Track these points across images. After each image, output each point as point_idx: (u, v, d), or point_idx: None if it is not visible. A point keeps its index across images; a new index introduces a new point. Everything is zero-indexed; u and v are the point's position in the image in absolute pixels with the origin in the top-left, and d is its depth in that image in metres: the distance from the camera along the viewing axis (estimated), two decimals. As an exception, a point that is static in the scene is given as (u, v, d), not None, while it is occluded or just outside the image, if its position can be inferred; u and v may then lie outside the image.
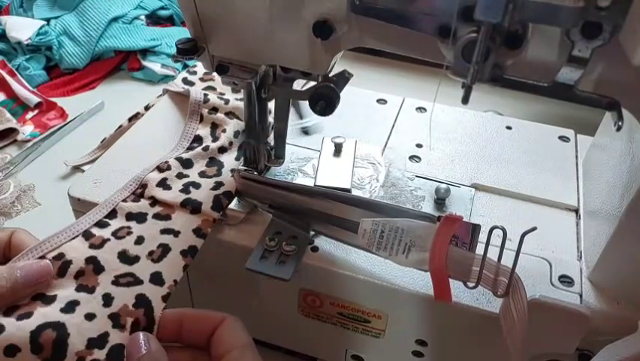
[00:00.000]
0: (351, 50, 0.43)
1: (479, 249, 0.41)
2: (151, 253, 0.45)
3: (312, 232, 0.49)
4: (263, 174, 0.54)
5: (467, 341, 0.46)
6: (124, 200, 0.50)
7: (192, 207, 0.49)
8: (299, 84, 0.53)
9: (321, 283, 0.48)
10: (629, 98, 0.37)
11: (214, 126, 0.59)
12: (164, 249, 0.46)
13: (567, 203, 0.53)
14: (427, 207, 0.52)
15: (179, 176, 0.53)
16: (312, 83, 0.47)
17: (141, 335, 0.38)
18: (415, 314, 0.46)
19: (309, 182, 0.53)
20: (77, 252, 0.44)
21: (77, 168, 0.76)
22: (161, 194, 0.50)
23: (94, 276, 0.43)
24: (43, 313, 0.39)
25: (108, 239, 0.46)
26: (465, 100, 0.36)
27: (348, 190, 0.51)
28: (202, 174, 0.53)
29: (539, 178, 0.56)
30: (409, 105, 0.66)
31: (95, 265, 0.43)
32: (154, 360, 0.37)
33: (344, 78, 0.46)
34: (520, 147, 0.60)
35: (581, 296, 0.44)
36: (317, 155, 0.56)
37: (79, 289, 0.42)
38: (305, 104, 0.54)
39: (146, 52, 0.98)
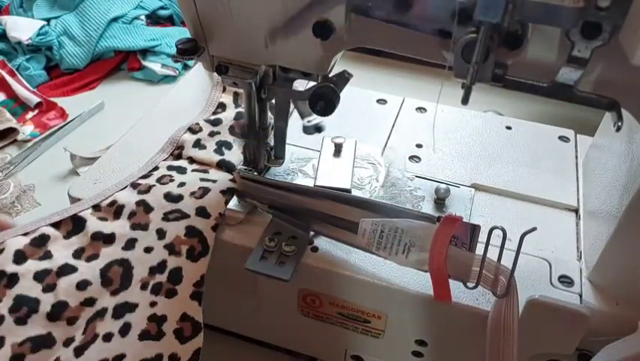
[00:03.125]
0: (351, 50, 0.43)
1: (479, 249, 0.41)
2: (193, 193, 0.50)
3: (311, 232, 0.49)
4: (263, 174, 0.54)
5: (467, 341, 0.46)
6: (164, 160, 0.55)
7: (227, 167, 0.54)
8: (299, 84, 0.53)
9: (320, 283, 0.48)
10: (629, 99, 0.37)
11: (236, 95, 0.64)
12: (205, 190, 0.50)
13: (567, 203, 0.53)
14: (427, 207, 0.52)
15: (211, 134, 0.58)
16: (312, 83, 0.47)
17: None
18: (415, 314, 0.46)
19: (309, 182, 0.53)
20: (128, 198, 0.50)
21: (75, 170, 0.76)
22: (197, 154, 0.55)
23: (145, 215, 0.49)
24: (108, 253, 0.47)
25: (153, 185, 0.51)
26: (465, 100, 0.36)
27: (348, 190, 0.51)
28: (231, 130, 0.57)
29: (539, 178, 0.56)
30: (409, 105, 0.66)
31: (144, 206, 0.49)
32: None
33: (344, 78, 0.46)
34: (520, 147, 0.60)
35: (580, 296, 0.44)
36: (317, 155, 0.56)
37: (133, 227, 0.48)
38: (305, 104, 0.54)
39: (146, 52, 0.98)
